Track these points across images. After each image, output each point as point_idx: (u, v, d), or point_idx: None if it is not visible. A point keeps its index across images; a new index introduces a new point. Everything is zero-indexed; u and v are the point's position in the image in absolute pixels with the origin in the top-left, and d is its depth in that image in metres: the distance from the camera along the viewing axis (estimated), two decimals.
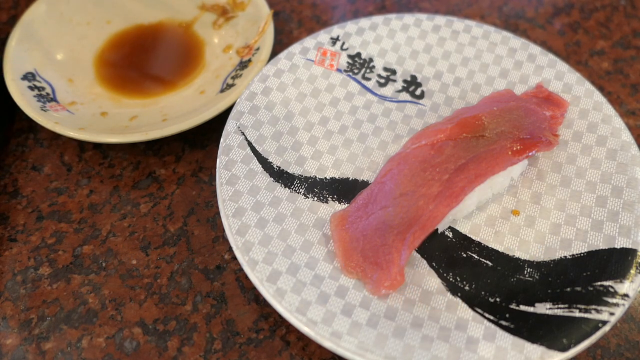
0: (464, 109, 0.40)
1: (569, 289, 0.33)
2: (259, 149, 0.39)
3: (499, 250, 0.36)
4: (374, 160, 0.40)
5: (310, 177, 0.39)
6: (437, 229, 0.37)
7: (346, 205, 0.38)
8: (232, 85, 0.45)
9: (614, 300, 0.32)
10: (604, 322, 0.31)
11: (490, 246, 0.36)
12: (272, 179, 0.38)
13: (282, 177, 0.38)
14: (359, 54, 0.45)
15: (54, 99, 0.45)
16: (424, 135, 0.38)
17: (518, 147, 0.36)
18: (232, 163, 0.38)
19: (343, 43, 0.45)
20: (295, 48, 0.44)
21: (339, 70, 0.44)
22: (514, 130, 0.37)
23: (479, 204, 0.38)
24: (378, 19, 0.47)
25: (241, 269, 0.39)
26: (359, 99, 0.43)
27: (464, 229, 0.37)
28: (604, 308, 0.32)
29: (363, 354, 0.30)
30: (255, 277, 0.33)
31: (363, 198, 0.37)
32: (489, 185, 0.37)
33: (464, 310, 0.33)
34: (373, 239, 0.34)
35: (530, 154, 0.37)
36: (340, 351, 0.30)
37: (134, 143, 0.45)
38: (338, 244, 0.35)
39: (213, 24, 0.53)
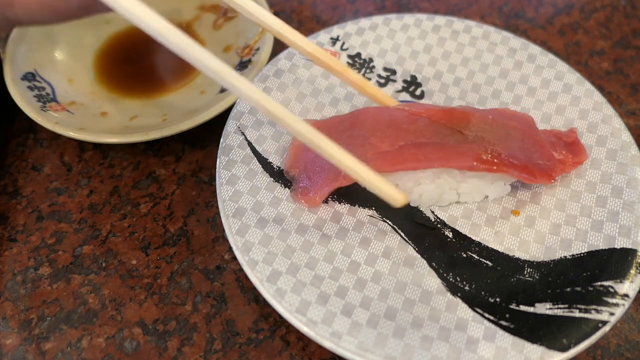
0: (466, 107, 0.39)
1: (569, 289, 0.33)
2: (259, 149, 0.39)
3: (499, 250, 0.36)
4: None
5: None
6: (436, 229, 0.37)
7: (346, 205, 0.38)
8: None
9: (614, 301, 0.32)
10: (604, 322, 0.31)
11: (490, 246, 0.36)
12: (272, 179, 0.38)
13: (282, 177, 0.38)
14: (359, 54, 0.45)
15: (54, 99, 0.45)
16: (415, 106, 0.37)
17: (487, 157, 0.35)
18: (232, 163, 0.38)
19: (343, 43, 0.45)
20: None
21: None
22: (496, 143, 0.35)
23: (438, 197, 0.37)
24: (378, 19, 0.47)
25: (241, 269, 0.39)
26: (359, 99, 0.43)
27: (464, 229, 0.37)
28: (604, 308, 0.32)
29: (363, 354, 0.30)
30: (255, 277, 0.33)
31: (337, 121, 0.38)
32: (452, 185, 0.37)
33: (464, 310, 0.33)
34: (319, 159, 0.36)
35: (494, 169, 0.35)
36: (340, 351, 0.30)
37: (134, 143, 0.45)
38: (293, 146, 0.38)
39: (213, 24, 0.53)
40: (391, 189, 0.32)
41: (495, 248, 0.36)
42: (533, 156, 0.36)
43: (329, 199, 0.38)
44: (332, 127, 0.38)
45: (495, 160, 0.35)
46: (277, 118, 0.30)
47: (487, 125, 0.36)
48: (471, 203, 0.38)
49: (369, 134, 0.36)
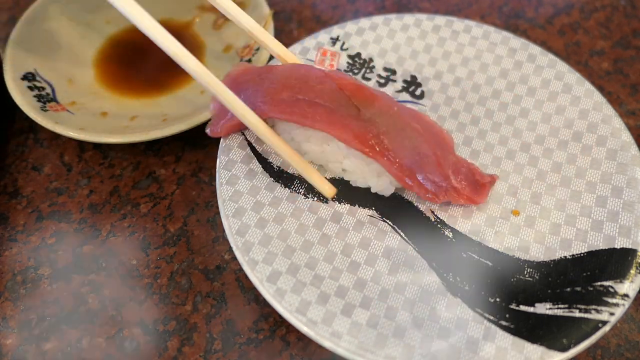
0: (382, 92, 0.38)
1: (569, 289, 0.33)
2: (259, 149, 0.39)
3: (499, 250, 0.36)
4: None
5: None
6: (436, 229, 0.37)
7: (346, 205, 0.38)
8: None
9: (614, 300, 0.32)
10: (604, 322, 0.31)
11: (490, 246, 0.36)
12: (272, 179, 0.38)
13: (282, 177, 0.38)
14: (359, 54, 0.45)
15: (54, 99, 0.45)
16: (338, 73, 0.37)
17: (365, 139, 0.35)
18: (232, 163, 0.38)
19: (343, 43, 0.45)
20: (295, 48, 0.44)
21: (339, 70, 0.44)
22: (385, 133, 0.35)
23: (325, 162, 0.38)
24: (378, 19, 0.47)
25: (241, 269, 0.39)
26: None
27: (464, 229, 0.37)
28: (604, 308, 0.32)
29: (363, 354, 0.30)
30: (255, 277, 0.33)
31: (264, 68, 0.39)
32: (337, 157, 0.38)
33: (464, 310, 0.33)
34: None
35: (367, 153, 0.35)
36: (340, 351, 0.30)
37: (134, 143, 0.45)
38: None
39: (213, 24, 0.53)
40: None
41: (495, 248, 0.36)
42: (423, 166, 0.36)
43: (329, 198, 0.38)
44: (255, 72, 0.38)
45: (372, 143, 0.35)
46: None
47: (387, 113, 0.36)
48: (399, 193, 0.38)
49: (278, 82, 0.37)
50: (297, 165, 0.37)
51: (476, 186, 0.37)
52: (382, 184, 0.38)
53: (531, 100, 0.43)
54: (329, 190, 0.37)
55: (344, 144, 0.36)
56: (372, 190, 0.38)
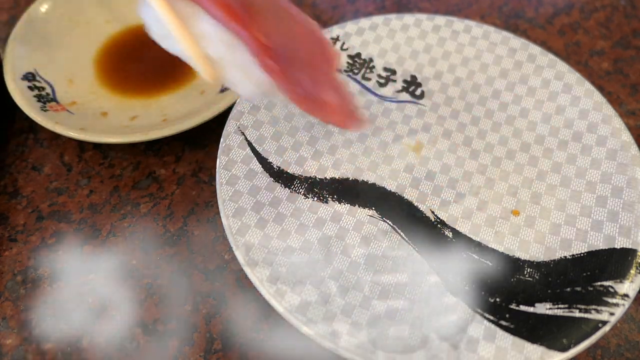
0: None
1: (569, 289, 0.33)
2: (259, 149, 0.39)
3: (499, 250, 0.36)
4: (374, 160, 0.40)
5: (310, 177, 0.39)
6: (436, 228, 0.37)
7: (346, 205, 0.38)
8: None
9: (614, 301, 0.32)
10: (604, 322, 0.31)
11: (490, 246, 0.36)
12: (272, 179, 0.38)
13: (282, 177, 0.38)
14: (358, 54, 0.45)
15: (54, 99, 0.45)
16: None
17: (237, 10, 0.29)
18: (232, 163, 0.38)
19: (343, 43, 0.45)
20: None
21: (338, 70, 0.44)
22: (259, 13, 0.30)
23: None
24: (378, 19, 0.47)
25: (241, 269, 0.39)
26: (359, 99, 0.43)
27: (464, 229, 0.37)
28: (604, 308, 0.32)
29: (363, 353, 0.30)
30: (255, 277, 0.33)
31: None
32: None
33: (464, 310, 0.33)
34: None
35: (233, 27, 0.30)
36: (340, 351, 0.30)
37: (134, 143, 0.45)
38: None
39: None
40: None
41: (495, 248, 0.36)
42: (295, 60, 0.31)
43: (329, 198, 0.38)
44: None
45: (241, 12, 0.29)
46: None
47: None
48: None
49: None
50: (177, 31, 0.30)
51: (350, 113, 0.33)
52: (247, 84, 0.32)
53: (531, 100, 0.43)
54: (209, 70, 0.32)
55: (210, 17, 0.30)
56: (240, 93, 0.33)
